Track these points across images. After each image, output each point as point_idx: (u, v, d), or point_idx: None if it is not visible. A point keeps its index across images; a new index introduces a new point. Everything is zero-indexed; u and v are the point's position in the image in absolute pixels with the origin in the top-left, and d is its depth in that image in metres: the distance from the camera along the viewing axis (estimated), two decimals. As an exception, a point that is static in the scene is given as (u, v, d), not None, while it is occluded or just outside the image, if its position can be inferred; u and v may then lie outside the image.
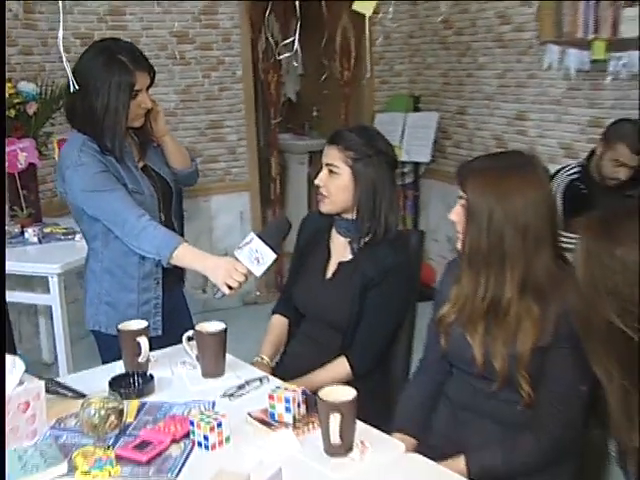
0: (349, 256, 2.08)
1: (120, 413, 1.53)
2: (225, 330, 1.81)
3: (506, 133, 4.26)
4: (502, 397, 1.62)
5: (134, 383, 1.75)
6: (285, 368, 2.07)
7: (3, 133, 3.02)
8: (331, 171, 2.03)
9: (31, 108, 3.27)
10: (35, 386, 1.54)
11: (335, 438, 1.42)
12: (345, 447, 1.44)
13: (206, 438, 1.49)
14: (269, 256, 1.88)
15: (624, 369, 1.13)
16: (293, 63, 4.04)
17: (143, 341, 1.79)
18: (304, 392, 1.61)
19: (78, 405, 1.55)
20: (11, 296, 2.73)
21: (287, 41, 2.30)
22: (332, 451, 1.45)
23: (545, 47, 3.67)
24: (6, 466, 1.38)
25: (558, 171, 3.17)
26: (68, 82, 1.83)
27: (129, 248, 2.05)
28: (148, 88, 2.12)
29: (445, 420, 1.75)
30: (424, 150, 4.69)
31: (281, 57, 3.21)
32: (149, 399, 1.71)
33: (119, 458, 1.44)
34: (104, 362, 2.10)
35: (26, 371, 1.57)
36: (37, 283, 3.36)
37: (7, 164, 3.17)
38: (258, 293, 4.80)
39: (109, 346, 2.07)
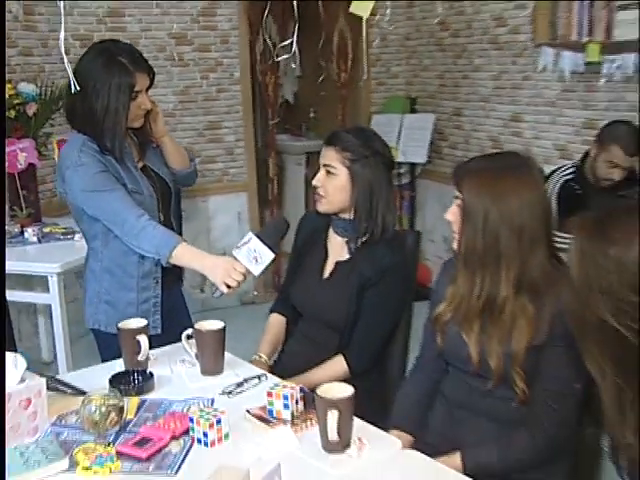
0: (346, 256, 2.09)
1: (120, 410, 1.53)
2: (224, 328, 1.82)
3: (502, 134, 4.29)
4: (497, 395, 1.63)
5: (134, 381, 1.76)
6: (283, 366, 2.09)
7: (3, 134, 3.03)
8: (328, 172, 2.04)
9: (31, 109, 3.28)
10: (36, 383, 1.56)
11: (333, 435, 1.43)
12: (343, 443, 1.45)
13: (205, 435, 1.50)
14: (267, 255, 1.90)
15: (617, 367, 1.15)
16: (291, 65, 4.05)
17: (143, 339, 1.80)
18: (302, 389, 1.63)
19: (79, 402, 1.55)
20: (11, 295, 2.74)
21: (285, 43, 2.31)
22: (330, 447, 1.46)
23: (540, 49, 3.71)
24: (7, 462, 1.39)
25: (553, 172, 3.20)
26: (68, 83, 1.84)
27: (129, 247, 2.07)
28: (148, 89, 2.13)
29: (441, 418, 1.76)
30: (420, 151, 4.71)
31: (279, 59, 3.22)
32: (149, 396, 1.72)
33: (119, 454, 1.46)
34: (104, 360, 2.10)
35: (27, 369, 1.58)
36: (36, 282, 3.37)
37: (7, 164, 3.18)
38: (256, 293, 4.81)
39: (108, 344, 2.08)
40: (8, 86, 3.21)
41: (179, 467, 1.44)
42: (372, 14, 1.94)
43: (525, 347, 1.57)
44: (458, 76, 4.63)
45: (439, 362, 1.79)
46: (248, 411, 1.61)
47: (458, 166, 1.70)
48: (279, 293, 2.37)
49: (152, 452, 1.47)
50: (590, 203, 2.82)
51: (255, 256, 1.90)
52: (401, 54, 5.10)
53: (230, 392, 1.73)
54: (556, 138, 3.90)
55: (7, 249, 2.93)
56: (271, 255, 1.90)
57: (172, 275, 2.24)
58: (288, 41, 2.24)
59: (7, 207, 3.32)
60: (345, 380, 1.80)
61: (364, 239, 2.06)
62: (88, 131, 2.07)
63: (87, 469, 1.41)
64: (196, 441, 1.52)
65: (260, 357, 2.12)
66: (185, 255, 2.01)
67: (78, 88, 1.74)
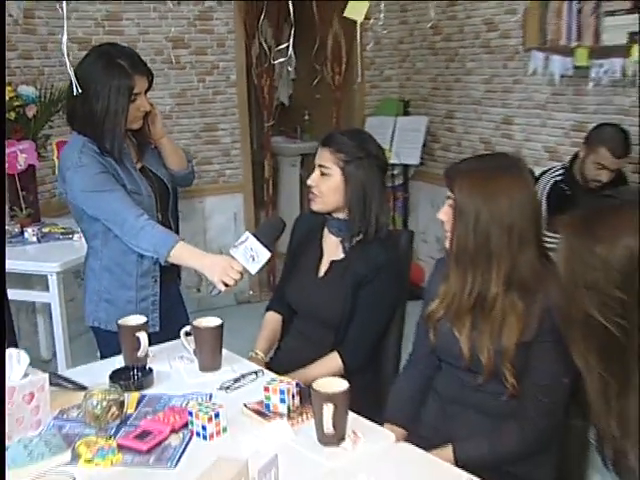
0: (341, 255, 2.12)
1: (121, 404, 1.56)
2: (222, 325, 1.85)
3: (493, 137, 4.34)
4: (488, 389, 1.67)
5: (134, 376, 1.79)
6: (279, 363, 2.11)
7: (3, 135, 3.05)
8: (323, 172, 2.07)
9: (30, 111, 3.31)
10: (39, 378, 1.59)
11: (328, 428, 1.46)
12: (338, 436, 1.48)
13: (204, 428, 1.52)
14: (264, 254, 1.93)
15: (603, 360, 1.18)
16: (286, 68, 4.09)
17: (142, 336, 1.83)
18: (298, 384, 1.66)
19: (80, 397, 1.59)
20: (10, 294, 2.75)
21: (281, 46, 2.35)
22: (325, 440, 1.49)
23: (530, 53, 3.75)
24: (12, 455, 1.42)
25: (543, 173, 3.25)
26: (69, 85, 1.87)
27: (128, 247, 2.09)
28: (146, 91, 2.16)
29: (434, 413, 1.80)
30: (413, 153, 4.75)
31: (276, 62, 3.26)
32: (148, 392, 1.75)
33: (120, 447, 1.48)
34: (103, 357, 2.13)
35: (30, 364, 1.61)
36: (36, 281, 3.40)
37: (7, 165, 3.21)
38: (251, 292, 4.85)
39: (108, 342, 2.11)
40: (8, 88, 3.24)
41: (179, 459, 1.47)
42: (366, 18, 1.96)
43: (515, 343, 1.60)
44: (450, 79, 4.68)
45: (432, 358, 1.82)
46: (245, 405, 1.64)
47: (450, 167, 1.73)
48: (275, 291, 2.39)
49: (152, 445, 1.49)
50: (579, 204, 2.86)
51: (252, 255, 1.92)
52: (394, 57, 5.14)
53: (228, 387, 1.76)
54: (546, 140, 3.96)
55: (7, 248, 2.96)
56: (267, 254, 1.93)
57: (170, 274, 2.27)
58: (284, 45, 2.27)
59: (7, 207, 3.35)
60: (340, 376, 1.84)
61: (358, 239, 2.08)
62: (88, 133, 2.09)
63: (89, 461, 1.44)
64: (195, 434, 1.54)
65: (257, 354, 2.14)
66: (183, 254, 2.04)
67: (79, 90, 1.76)
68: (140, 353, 1.83)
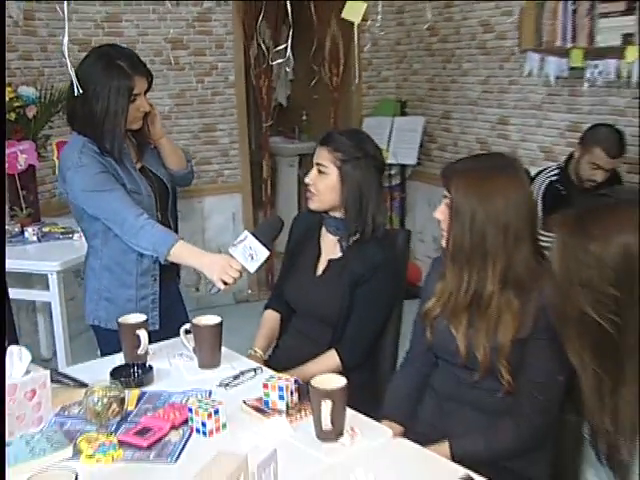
0: (339, 254, 2.13)
1: (122, 401, 1.58)
2: (221, 323, 1.86)
3: (489, 137, 4.37)
4: (484, 386, 1.69)
5: (134, 373, 1.80)
6: (278, 360, 2.12)
7: (3, 135, 3.07)
8: (320, 171, 2.08)
9: (31, 111, 3.32)
10: (41, 375, 1.61)
11: (326, 424, 1.48)
12: (336, 432, 1.50)
13: (204, 424, 1.54)
14: (262, 253, 1.94)
15: (597, 357, 1.20)
16: (285, 69, 4.10)
17: (142, 334, 1.84)
18: (297, 381, 1.67)
19: (81, 394, 1.60)
20: (11, 293, 2.76)
21: (280, 47, 2.37)
22: (323, 436, 1.51)
23: (526, 55, 3.78)
24: (14, 451, 1.44)
25: (538, 173, 3.27)
26: (70, 85, 1.87)
27: (128, 246, 2.11)
28: (146, 92, 2.18)
29: (431, 411, 1.81)
30: (411, 153, 4.77)
31: (274, 63, 3.28)
32: (149, 389, 1.77)
33: (121, 443, 1.49)
34: (103, 356, 2.14)
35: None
36: (36, 281, 3.41)
37: (7, 165, 3.22)
38: (250, 291, 4.87)
39: (108, 340, 2.13)
40: (8, 89, 3.25)
41: (179, 455, 1.48)
42: (363, 20, 1.98)
43: (510, 340, 1.62)
44: (447, 80, 4.70)
45: (428, 356, 1.84)
46: (245, 402, 1.66)
47: (446, 166, 1.75)
48: (273, 290, 2.41)
49: (152, 441, 1.51)
50: (574, 203, 2.88)
51: (251, 253, 1.94)
52: (391, 59, 5.17)
53: (227, 384, 1.78)
54: (541, 140, 3.98)
55: (7, 248, 2.97)
56: (266, 252, 1.94)
57: (169, 273, 2.29)
58: (282, 46, 2.29)
59: (7, 207, 3.36)
60: (338, 373, 1.85)
61: (355, 238, 2.10)
62: (88, 133, 2.11)
63: (90, 457, 1.45)
64: (195, 431, 1.56)
65: (255, 352, 2.16)
66: (183, 253, 2.06)
67: (81, 91, 1.78)
68: (140, 351, 1.85)
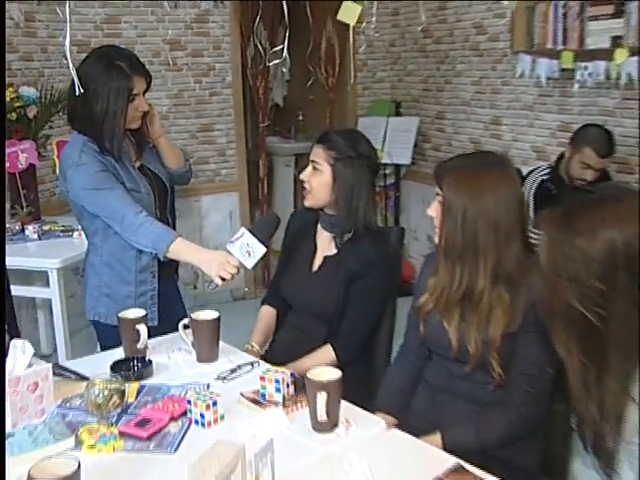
0: (334, 250, 2.16)
1: (122, 394, 1.60)
2: (219, 318, 1.90)
3: (482, 137, 4.41)
4: (476, 379, 1.72)
5: (134, 367, 1.83)
6: (274, 355, 2.15)
7: (4, 135, 3.09)
8: (315, 168, 2.12)
9: (31, 111, 3.35)
10: (43, 368, 1.64)
11: (322, 415, 1.51)
12: (331, 424, 1.53)
13: (202, 416, 1.57)
14: (260, 249, 1.98)
15: (583, 347, 1.23)
16: (281, 69, 4.13)
17: (142, 328, 1.87)
18: (293, 374, 1.70)
19: (83, 386, 1.63)
20: (12, 290, 2.79)
21: (276, 48, 2.39)
22: (319, 427, 1.54)
23: (518, 56, 3.83)
24: (17, 441, 1.48)
25: (530, 172, 3.31)
26: (71, 85, 1.90)
27: (127, 243, 2.14)
28: (145, 92, 2.21)
29: (424, 403, 1.84)
30: (405, 153, 4.81)
31: (271, 64, 3.31)
32: (148, 382, 1.80)
33: (122, 434, 1.53)
34: (103, 350, 2.17)
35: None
36: (36, 278, 3.43)
37: (8, 165, 3.26)
38: (247, 289, 4.91)
39: (108, 335, 2.16)
40: (9, 90, 3.28)
41: (178, 445, 1.51)
42: (359, 21, 2.00)
43: (501, 334, 1.66)
44: (441, 81, 4.75)
45: (422, 349, 1.87)
46: (242, 394, 1.69)
47: (439, 165, 1.78)
48: (270, 286, 2.43)
49: (152, 432, 1.54)
50: (564, 202, 2.92)
51: (248, 250, 1.97)
52: (386, 60, 5.21)
53: (225, 377, 1.81)
54: (533, 140, 4.03)
55: (8, 245, 3.00)
56: (263, 249, 1.98)
57: (168, 269, 2.32)
58: (279, 47, 2.32)
59: (8, 205, 3.40)
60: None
61: (349, 235, 2.13)
62: (88, 132, 2.14)
63: (92, 447, 1.48)
64: (194, 422, 1.59)
65: (252, 346, 2.18)
66: (181, 249, 2.09)
67: (81, 91, 1.81)
68: (140, 345, 1.88)
